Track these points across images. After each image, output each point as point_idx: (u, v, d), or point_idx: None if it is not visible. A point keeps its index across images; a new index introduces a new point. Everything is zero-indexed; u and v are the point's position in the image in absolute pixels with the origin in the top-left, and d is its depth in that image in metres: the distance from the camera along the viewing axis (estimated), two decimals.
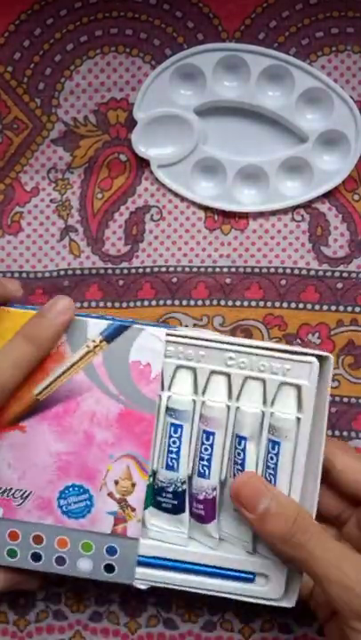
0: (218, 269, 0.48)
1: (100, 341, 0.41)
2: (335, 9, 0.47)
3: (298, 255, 0.48)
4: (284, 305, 0.48)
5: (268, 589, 0.42)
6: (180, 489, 0.42)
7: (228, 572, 0.42)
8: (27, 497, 0.42)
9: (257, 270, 0.48)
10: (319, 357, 0.41)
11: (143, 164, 0.48)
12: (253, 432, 0.41)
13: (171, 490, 0.42)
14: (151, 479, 0.42)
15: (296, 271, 0.48)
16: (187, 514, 0.42)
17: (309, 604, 0.43)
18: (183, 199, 0.48)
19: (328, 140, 0.47)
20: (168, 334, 0.41)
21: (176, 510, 0.42)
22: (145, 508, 0.42)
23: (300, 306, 0.48)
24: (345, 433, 0.48)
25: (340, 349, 0.48)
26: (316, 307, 0.48)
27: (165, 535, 0.42)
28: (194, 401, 0.42)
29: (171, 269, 0.48)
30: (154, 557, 0.42)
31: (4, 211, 0.48)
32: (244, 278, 0.48)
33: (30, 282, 0.48)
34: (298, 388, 0.41)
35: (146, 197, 0.48)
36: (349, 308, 0.48)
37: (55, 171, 0.48)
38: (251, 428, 0.41)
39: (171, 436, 0.42)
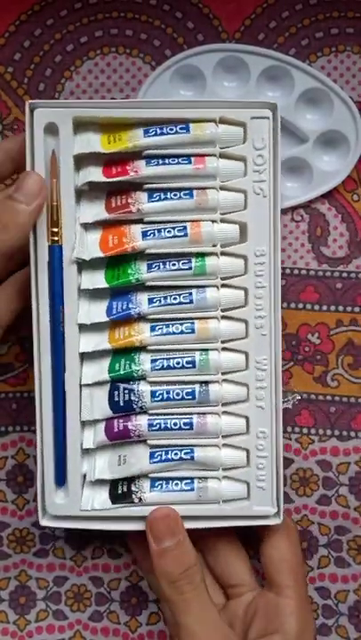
0: None
1: None
2: (335, 9, 0.47)
3: (297, 255, 0.48)
4: (284, 305, 0.48)
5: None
6: None
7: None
8: None
9: None
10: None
11: None
12: None
13: None
14: None
15: (296, 271, 0.48)
16: None
17: None
18: None
19: (328, 140, 0.47)
20: None
21: None
22: None
23: (300, 306, 0.48)
24: (344, 432, 0.48)
25: (339, 349, 0.48)
26: (316, 307, 0.48)
27: None
28: None
29: None
30: None
31: None
32: None
33: None
34: None
35: None
36: (349, 308, 0.48)
37: None
38: None
39: None
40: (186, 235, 0.41)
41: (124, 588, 0.48)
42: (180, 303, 0.42)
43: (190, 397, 0.42)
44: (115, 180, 0.41)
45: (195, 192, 0.41)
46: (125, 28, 0.47)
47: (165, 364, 0.42)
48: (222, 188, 0.42)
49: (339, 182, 0.47)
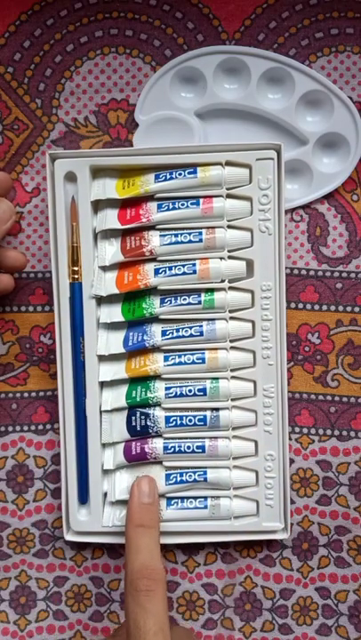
0: None
1: None
2: (335, 9, 0.47)
3: (297, 255, 0.48)
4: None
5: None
6: None
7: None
8: None
9: None
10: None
11: None
12: None
13: None
14: None
15: (296, 271, 0.48)
16: None
17: None
18: None
19: (328, 142, 0.47)
20: None
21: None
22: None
23: (300, 306, 0.48)
24: (344, 432, 0.48)
25: (339, 349, 0.48)
26: (316, 307, 0.48)
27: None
28: None
29: None
30: None
31: None
32: None
33: (30, 282, 0.48)
34: None
35: None
36: (349, 308, 0.48)
37: None
38: None
39: None
40: (195, 272, 0.44)
41: (124, 588, 0.48)
42: (192, 335, 0.44)
43: (202, 423, 0.44)
44: (129, 226, 0.44)
45: (203, 231, 0.44)
46: (125, 28, 0.47)
47: (178, 392, 0.44)
48: (229, 227, 0.44)
49: (339, 184, 0.47)
